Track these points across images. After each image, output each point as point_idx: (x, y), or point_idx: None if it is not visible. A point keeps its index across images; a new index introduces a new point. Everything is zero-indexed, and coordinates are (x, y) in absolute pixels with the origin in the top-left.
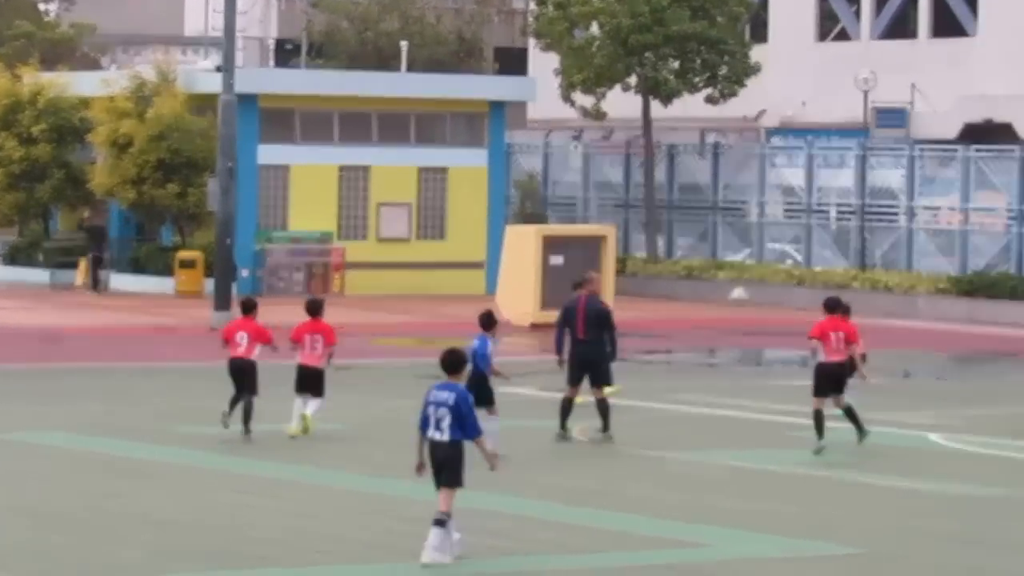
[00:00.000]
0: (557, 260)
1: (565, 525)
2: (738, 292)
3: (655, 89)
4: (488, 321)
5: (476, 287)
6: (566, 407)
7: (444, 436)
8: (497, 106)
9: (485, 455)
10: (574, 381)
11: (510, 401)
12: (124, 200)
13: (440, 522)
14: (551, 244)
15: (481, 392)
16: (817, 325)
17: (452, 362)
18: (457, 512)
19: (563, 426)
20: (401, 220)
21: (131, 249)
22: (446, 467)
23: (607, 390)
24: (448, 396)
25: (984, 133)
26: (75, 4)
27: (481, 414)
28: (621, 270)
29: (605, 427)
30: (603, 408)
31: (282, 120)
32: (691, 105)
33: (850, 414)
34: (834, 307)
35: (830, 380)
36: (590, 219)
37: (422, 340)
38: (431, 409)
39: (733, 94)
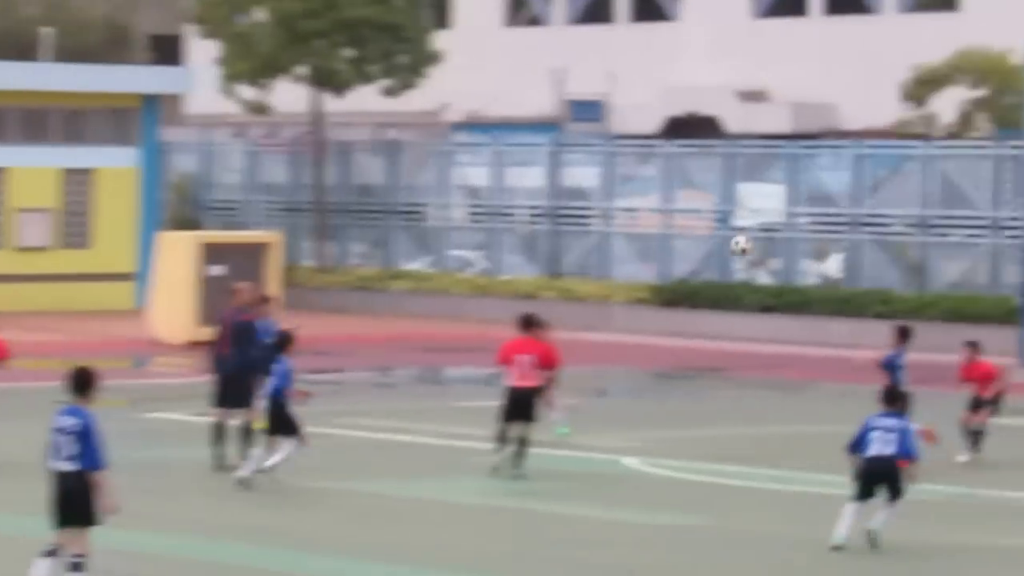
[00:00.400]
0: (217, 270)
1: (217, 566)
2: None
3: (327, 80)
4: (284, 340)
5: (125, 301)
6: (217, 432)
7: (69, 466)
8: (150, 100)
9: (104, 493)
10: (220, 403)
11: (162, 428)
12: None
13: (51, 552)
14: (210, 253)
15: (280, 421)
16: (504, 347)
17: (78, 382)
18: (96, 554)
19: (217, 455)
20: (41, 227)
21: None
22: (73, 502)
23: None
24: (73, 422)
25: (688, 127)
26: None
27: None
28: (289, 280)
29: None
30: (246, 434)
31: None
32: (367, 98)
33: (522, 444)
34: (527, 325)
35: (517, 407)
36: (254, 225)
37: (65, 361)
38: (54, 436)
39: (413, 86)
